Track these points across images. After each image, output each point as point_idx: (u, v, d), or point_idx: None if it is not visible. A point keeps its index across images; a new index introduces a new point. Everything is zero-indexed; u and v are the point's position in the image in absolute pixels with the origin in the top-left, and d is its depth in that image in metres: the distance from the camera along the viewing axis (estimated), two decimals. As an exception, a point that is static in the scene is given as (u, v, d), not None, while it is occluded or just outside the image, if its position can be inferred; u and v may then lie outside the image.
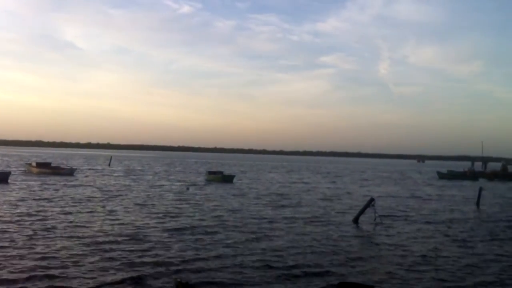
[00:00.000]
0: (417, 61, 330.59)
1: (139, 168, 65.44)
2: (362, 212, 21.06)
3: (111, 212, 20.49)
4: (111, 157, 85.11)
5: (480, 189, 30.93)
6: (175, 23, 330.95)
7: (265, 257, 12.92)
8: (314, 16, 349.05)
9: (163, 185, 36.82)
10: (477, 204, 29.45)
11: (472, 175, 66.50)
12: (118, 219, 18.44)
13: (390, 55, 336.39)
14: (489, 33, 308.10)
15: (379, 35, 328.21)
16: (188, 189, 33.75)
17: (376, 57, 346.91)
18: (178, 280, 9.68)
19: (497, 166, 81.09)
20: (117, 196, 27.00)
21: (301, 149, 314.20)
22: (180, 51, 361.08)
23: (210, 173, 47.59)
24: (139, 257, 12.26)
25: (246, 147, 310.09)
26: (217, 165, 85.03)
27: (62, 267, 10.91)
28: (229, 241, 14.91)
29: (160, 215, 20.15)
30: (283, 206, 25.35)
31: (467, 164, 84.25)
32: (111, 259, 11.90)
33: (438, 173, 69.41)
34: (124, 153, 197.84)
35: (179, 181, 42.16)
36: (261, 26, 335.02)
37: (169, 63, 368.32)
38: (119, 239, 14.55)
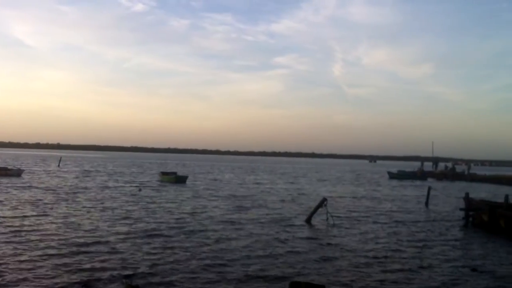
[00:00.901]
0: (370, 63, 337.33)
1: (90, 169, 64.03)
2: (314, 212, 21.25)
3: (60, 215, 19.91)
4: (61, 157, 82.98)
5: (429, 189, 31.75)
6: (128, 21, 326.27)
7: (218, 260, 12.81)
8: (269, 17, 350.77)
9: (115, 186, 36.09)
10: (426, 203, 30.22)
11: (421, 175, 68.24)
12: (67, 222, 17.94)
13: (343, 57, 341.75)
14: (439, 36, 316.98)
15: (333, 36, 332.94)
16: (140, 190, 33.23)
17: (330, 59, 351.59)
18: (128, 283, 9.52)
19: (443, 166, 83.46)
20: (66, 199, 26.23)
21: (255, 150, 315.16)
22: (133, 50, 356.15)
23: (163, 173, 47.08)
24: (89, 261, 11.95)
25: (200, 147, 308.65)
26: (171, 166, 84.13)
27: (8, 273, 10.53)
28: (181, 244, 14.73)
29: (111, 217, 19.72)
30: (238, 207, 25.26)
31: (418, 164, 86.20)
32: (59, 264, 11.54)
33: (389, 173, 70.85)
34: (74, 153, 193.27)
35: (131, 182, 41.46)
36: (216, 25, 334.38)
37: (122, 62, 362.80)
38: (68, 242, 14.16)
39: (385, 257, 14.15)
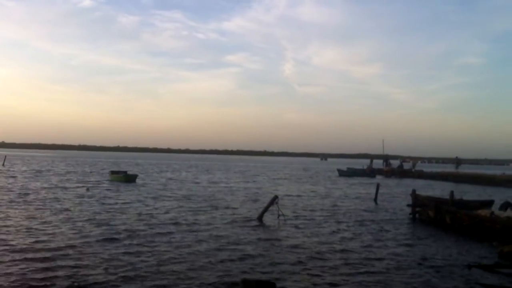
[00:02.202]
0: (320, 62, 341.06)
1: (36, 168, 62.07)
2: (266, 210, 21.27)
3: (2, 218, 19.19)
4: (5, 156, 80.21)
5: (378, 186, 32.39)
6: (75, 17, 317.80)
7: (166, 261, 12.64)
8: (220, 15, 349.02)
9: (62, 186, 35.04)
10: (375, 200, 30.79)
11: (370, 172, 69.58)
12: (10, 226, 17.26)
13: (294, 56, 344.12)
14: (388, 37, 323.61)
15: (284, 36, 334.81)
16: (88, 190, 32.46)
17: (281, 58, 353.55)
18: (75, 284, 9.35)
19: (396, 163, 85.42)
20: (11, 200, 25.25)
21: (207, 148, 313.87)
22: (81, 47, 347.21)
23: (113, 172, 46.18)
24: (36, 269, 11.53)
25: (151, 146, 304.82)
26: (124, 165, 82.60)
27: None
28: (129, 246, 14.44)
29: (57, 219, 19.11)
30: (189, 207, 24.99)
31: (368, 162, 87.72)
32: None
33: (339, 170, 71.80)
34: (20, 152, 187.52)
35: (79, 181, 40.39)
36: (166, 22, 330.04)
37: (69, 58, 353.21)
38: (12, 244, 13.66)
39: (334, 253, 14.29)
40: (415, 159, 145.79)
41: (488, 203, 25.03)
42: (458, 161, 79.30)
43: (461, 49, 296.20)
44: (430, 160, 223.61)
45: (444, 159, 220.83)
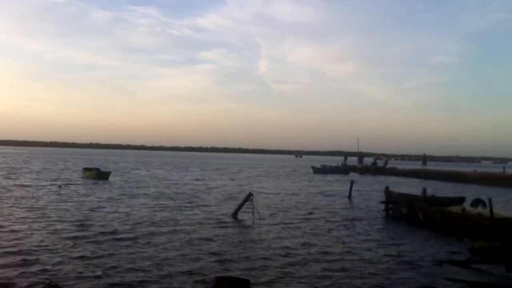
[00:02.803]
0: (295, 60, 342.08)
1: (6, 165, 60.79)
2: (240, 207, 21.25)
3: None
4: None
5: (352, 183, 32.65)
6: (47, 12, 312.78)
7: (137, 259, 12.51)
8: (195, 11, 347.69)
9: (33, 184, 34.44)
10: (349, 197, 31.03)
11: (344, 170, 70.14)
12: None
13: (269, 54, 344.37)
14: (362, 35, 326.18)
15: (259, 33, 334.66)
16: (60, 187, 31.99)
17: (256, 55, 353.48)
18: (48, 282, 9.28)
19: (370, 161, 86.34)
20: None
21: (181, 145, 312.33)
22: (53, 42, 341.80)
23: (85, 169, 45.59)
24: (6, 261, 11.31)
25: (124, 143, 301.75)
26: (99, 162, 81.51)
27: None
28: (101, 244, 14.24)
29: (28, 217, 18.76)
30: (161, 204, 24.83)
31: (342, 159, 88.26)
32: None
33: (313, 168, 72.16)
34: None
35: (51, 179, 39.73)
36: (139, 18, 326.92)
37: (41, 54, 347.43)
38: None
39: (308, 250, 14.33)
40: (388, 157, 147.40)
41: (460, 200, 25.44)
42: (424, 158, 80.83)
43: (434, 48, 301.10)
44: (403, 157, 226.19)
45: (417, 156, 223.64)
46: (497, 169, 76.37)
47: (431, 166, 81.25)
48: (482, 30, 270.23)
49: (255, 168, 79.37)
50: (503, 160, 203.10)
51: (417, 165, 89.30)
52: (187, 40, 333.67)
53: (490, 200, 17.72)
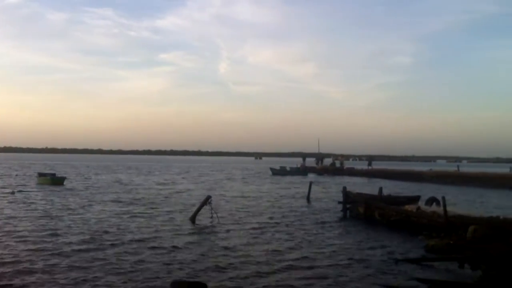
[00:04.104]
0: (256, 62, 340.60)
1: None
2: (198, 210, 21.02)
3: None
4: None
5: (310, 184, 32.83)
6: (1, 14, 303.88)
7: (91, 265, 12.21)
8: (153, 12, 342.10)
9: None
10: (308, 198, 31.19)
11: (303, 171, 70.58)
12: None
13: (229, 55, 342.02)
14: (321, 37, 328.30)
15: (219, 34, 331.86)
16: (13, 193, 31.04)
17: (216, 56, 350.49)
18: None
19: (329, 161, 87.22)
20: None
21: (140, 148, 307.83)
22: (7, 45, 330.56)
23: (40, 175, 44.34)
24: None
25: (81, 147, 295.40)
26: (49, 167, 79.53)
27: None
28: (51, 252, 13.79)
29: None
30: (113, 210, 24.36)
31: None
32: None
33: (272, 169, 72.15)
34: None
35: (2, 185, 38.48)
36: (96, 20, 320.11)
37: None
38: None
39: (266, 253, 14.30)
40: (347, 157, 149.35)
41: (415, 199, 25.86)
42: (370, 159, 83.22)
43: (391, 49, 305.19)
44: (361, 158, 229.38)
45: (375, 156, 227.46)
46: (451, 168, 78.37)
47: (388, 166, 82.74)
48: (437, 31, 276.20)
49: (217, 171, 78.97)
50: (457, 159, 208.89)
51: (374, 165, 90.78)
52: (146, 41, 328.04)
53: (443, 198, 18.10)
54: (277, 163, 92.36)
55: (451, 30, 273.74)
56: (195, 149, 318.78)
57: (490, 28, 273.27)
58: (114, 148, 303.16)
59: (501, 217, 18.74)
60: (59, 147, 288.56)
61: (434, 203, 23.11)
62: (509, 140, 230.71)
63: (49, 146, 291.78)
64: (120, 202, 27.48)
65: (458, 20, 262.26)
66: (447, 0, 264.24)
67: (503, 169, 70.07)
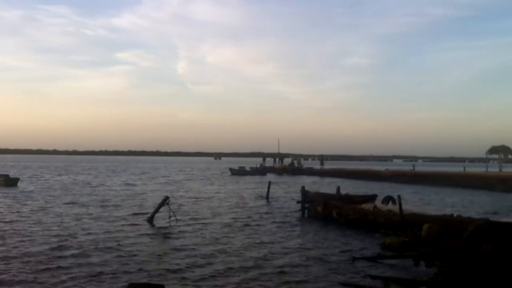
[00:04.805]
0: (215, 61, 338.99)
1: None
2: (156, 211, 20.77)
3: None
4: None
5: (269, 184, 32.93)
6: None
7: (44, 270, 11.90)
8: (110, 11, 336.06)
9: None
10: (267, 198, 31.26)
11: (261, 171, 70.78)
12: None
13: (188, 54, 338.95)
14: (281, 37, 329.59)
15: (177, 33, 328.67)
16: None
17: (174, 56, 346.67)
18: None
19: (288, 161, 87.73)
20: None
21: (97, 149, 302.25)
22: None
23: (-8, 176, 43.01)
24: None
25: (35, 147, 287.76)
26: (1, 167, 77.23)
27: None
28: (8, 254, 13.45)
29: None
30: (66, 212, 23.84)
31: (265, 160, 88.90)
32: None
33: (231, 169, 72.05)
34: None
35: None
36: (51, 18, 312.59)
37: None
38: None
39: (221, 254, 14.24)
40: (306, 157, 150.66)
41: (372, 198, 26.25)
42: (322, 158, 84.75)
43: (349, 50, 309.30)
44: (319, 157, 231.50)
45: (333, 156, 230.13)
46: (407, 167, 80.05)
47: (347, 166, 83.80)
48: (395, 32, 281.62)
49: (176, 171, 78.30)
50: (413, 158, 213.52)
51: (332, 165, 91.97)
52: (102, 40, 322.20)
53: (399, 197, 18.45)
54: (236, 163, 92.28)
55: (408, 31, 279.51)
56: (154, 149, 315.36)
57: (439, 31, 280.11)
58: (70, 148, 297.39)
59: (455, 215, 19.26)
60: (12, 147, 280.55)
61: (390, 202, 23.49)
62: (463, 140, 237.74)
63: (1, 147, 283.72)
64: (77, 203, 26.84)
65: (414, 21, 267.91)
66: (400, 3, 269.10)
67: (456, 168, 72.07)
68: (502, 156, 67.83)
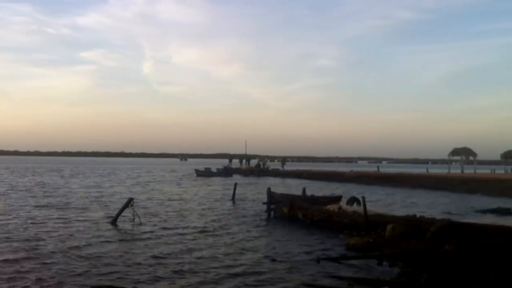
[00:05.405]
0: (181, 62, 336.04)
1: None
2: (120, 213, 20.52)
3: None
4: None
5: (235, 185, 32.86)
6: None
7: (7, 273, 11.60)
8: (73, 9, 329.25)
9: None
10: (232, 199, 31.18)
11: (228, 172, 70.67)
12: None
13: (153, 54, 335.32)
14: (247, 38, 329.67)
15: (143, 33, 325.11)
16: None
17: (140, 56, 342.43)
18: None
19: (254, 162, 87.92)
20: None
21: (59, 150, 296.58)
22: None
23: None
24: None
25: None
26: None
27: None
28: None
29: None
30: (32, 214, 23.36)
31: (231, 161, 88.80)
32: None
33: (196, 170, 71.61)
34: None
35: None
36: (13, 16, 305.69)
37: None
38: None
39: (187, 256, 14.13)
40: (272, 158, 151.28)
41: (337, 199, 26.52)
42: (283, 160, 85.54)
43: (315, 52, 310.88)
44: (285, 158, 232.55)
45: (300, 157, 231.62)
46: (372, 168, 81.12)
47: (313, 167, 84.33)
48: (359, 35, 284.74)
49: (141, 173, 77.42)
50: (377, 160, 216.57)
51: (300, 166, 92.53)
52: (66, 39, 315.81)
53: (363, 198, 18.68)
54: (202, 164, 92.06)
55: (372, 34, 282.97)
56: (119, 150, 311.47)
57: (406, 34, 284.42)
58: (32, 149, 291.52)
59: (418, 215, 19.59)
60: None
61: (355, 203, 23.78)
62: (426, 142, 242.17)
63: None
64: (40, 206, 26.13)
65: (378, 25, 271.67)
66: (366, 6, 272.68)
67: (420, 170, 73.34)
68: (464, 158, 69.42)
